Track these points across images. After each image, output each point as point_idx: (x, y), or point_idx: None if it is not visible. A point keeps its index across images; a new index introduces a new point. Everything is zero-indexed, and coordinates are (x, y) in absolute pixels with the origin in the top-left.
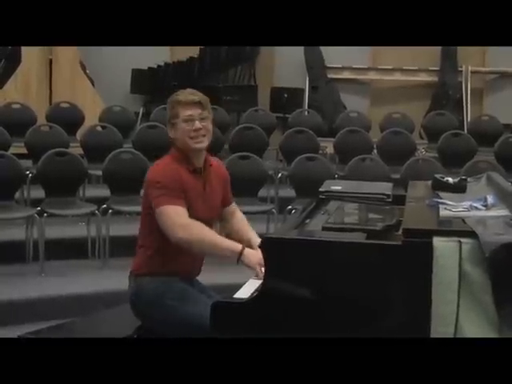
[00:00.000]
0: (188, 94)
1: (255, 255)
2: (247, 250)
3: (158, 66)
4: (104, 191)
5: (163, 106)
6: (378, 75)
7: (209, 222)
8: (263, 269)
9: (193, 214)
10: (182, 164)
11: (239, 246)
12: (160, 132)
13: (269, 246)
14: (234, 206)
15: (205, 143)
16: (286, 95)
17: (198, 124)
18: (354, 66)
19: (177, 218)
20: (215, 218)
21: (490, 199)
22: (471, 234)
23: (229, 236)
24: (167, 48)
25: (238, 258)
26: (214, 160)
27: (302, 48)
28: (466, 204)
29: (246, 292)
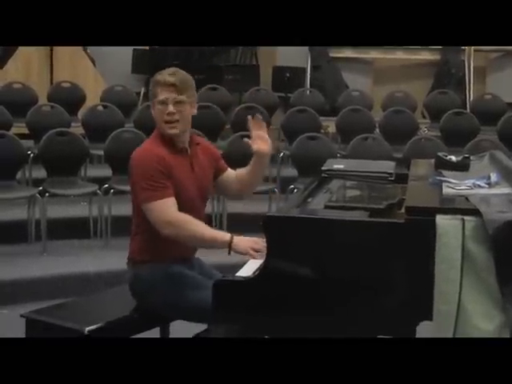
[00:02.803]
0: (166, 75)
1: (244, 241)
2: (236, 238)
3: (159, 46)
4: (106, 171)
5: None
6: (380, 54)
7: (201, 201)
8: (259, 250)
9: (183, 195)
10: (166, 145)
11: (227, 236)
12: None
13: (270, 224)
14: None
15: (177, 129)
16: (287, 74)
17: (170, 108)
18: None
19: (163, 214)
20: (206, 196)
21: (494, 177)
22: (474, 212)
23: (252, 181)
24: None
25: (229, 248)
26: (202, 139)
27: None
28: (469, 182)
29: (247, 270)
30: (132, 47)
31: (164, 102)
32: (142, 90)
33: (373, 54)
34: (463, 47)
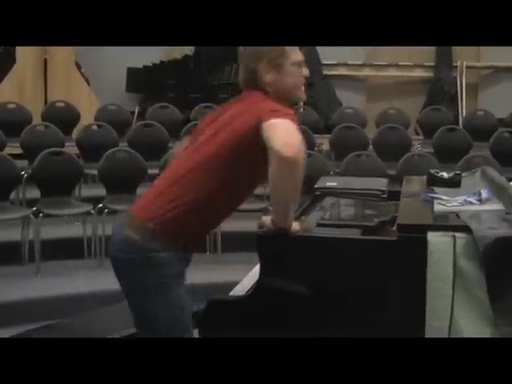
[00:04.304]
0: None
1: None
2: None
3: (154, 65)
4: (100, 190)
5: (159, 104)
6: (374, 71)
7: None
8: None
9: None
10: None
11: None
12: (156, 131)
13: (263, 242)
14: None
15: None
16: None
17: (306, 70)
18: (350, 63)
19: (296, 137)
20: None
21: (485, 193)
22: (465, 229)
23: None
24: (163, 47)
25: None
26: None
27: None
28: (461, 198)
29: (241, 289)
30: (126, 66)
31: (300, 64)
32: (137, 109)
33: (366, 71)
34: (455, 64)
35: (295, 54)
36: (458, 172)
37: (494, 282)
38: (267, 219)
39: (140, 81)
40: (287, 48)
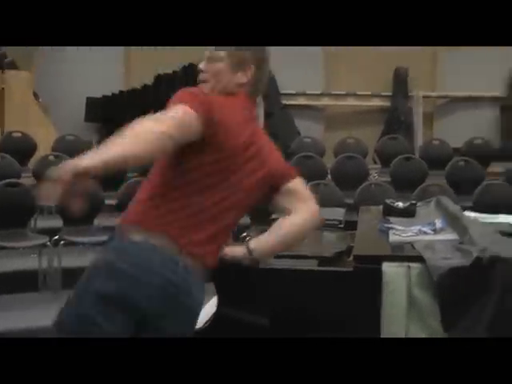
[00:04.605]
0: None
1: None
2: None
3: (113, 94)
4: (57, 222)
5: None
6: (332, 101)
7: None
8: None
9: None
10: None
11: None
12: None
13: (219, 273)
14: None
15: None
16: None
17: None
18: (308, 92)
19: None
20: None
21: (439, 223)
22: (420, 259)
23: None
24: (121, 76)
25: None
26: None
27: None
28: (415, 228)
29: (199, 320)
30: (84, 96)
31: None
32: (95, 139)
33: (324, 100)
34: (411, 94)
35: None
36: (413, 202)
37: (448, 311)
38: (234, 249)
39: (99, 110)
40: None
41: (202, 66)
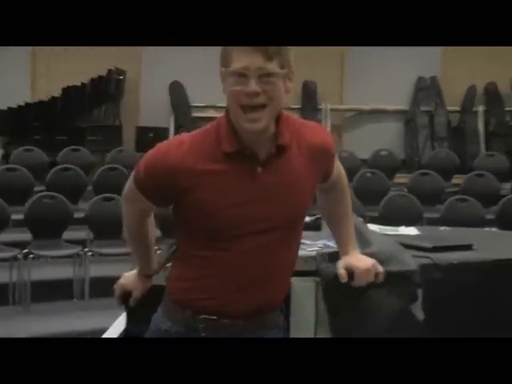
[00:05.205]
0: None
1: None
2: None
3: (19, 107)
4: (25, 235)
5: (24, 147)
6: None
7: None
8: None
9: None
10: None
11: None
12: (20, 175)
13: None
14: (333, 178)
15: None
16: (151, 135)
17: (254, 86)
18: (218, 105)
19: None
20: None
21: None
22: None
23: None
24: (28, 87)
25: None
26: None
27: (166, 87)
28: (321, 243)
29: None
30: None
31: (242, 74)
32: (1, 152)
33: None
34: (320, 106)
35: (238, 56)
36: (318, 216)
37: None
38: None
39: (4, 123)
40: (228, 48)
41: (253, 87)
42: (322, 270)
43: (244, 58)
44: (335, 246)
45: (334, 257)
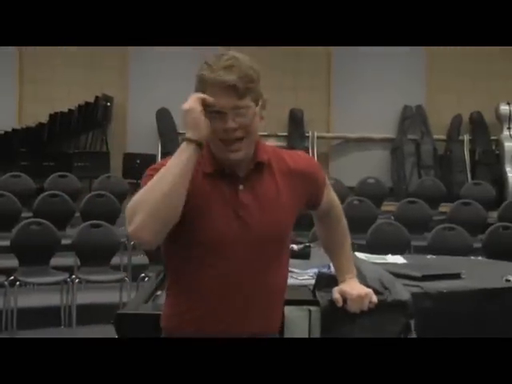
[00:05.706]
0: (221, 70)
1: None
2: None
3: (6, 132)
4: (12, 262)
5: (11, 173)
6: None
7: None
8: None
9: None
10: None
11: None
12: (7, 201)
13: (121, 322)
14: (325, 205)
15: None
16: (138, 161)
17: (231, 123)
18: None
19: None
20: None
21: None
22: (319, 303)
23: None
24: (15, 113)
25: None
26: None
27: (154, 114)
28: (311, 271)
29: None
30: None
31: (220, 112)
32: None
33: None
34: (307, 134)
35: (212, 95)
36: (307, 244)
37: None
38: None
39: None
40: (204, 83)
41: (230, 124)
42: (321, 297)
43: (218, 97)
44: (329, 271)
45: (331, 282)
